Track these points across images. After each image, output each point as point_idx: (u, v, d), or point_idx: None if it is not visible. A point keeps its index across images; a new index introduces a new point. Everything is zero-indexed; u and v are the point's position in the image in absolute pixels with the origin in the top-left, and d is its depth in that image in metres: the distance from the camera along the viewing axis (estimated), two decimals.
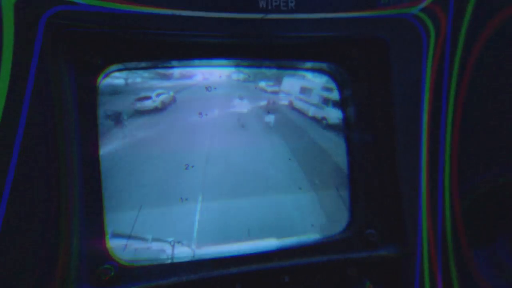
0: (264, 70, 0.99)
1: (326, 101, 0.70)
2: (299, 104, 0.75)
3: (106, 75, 0.83)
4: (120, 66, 0.85)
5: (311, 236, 0.96)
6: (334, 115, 0.72)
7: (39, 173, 0.67)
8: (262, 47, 0.94)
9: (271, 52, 0.95)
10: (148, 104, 0.68)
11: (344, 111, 1.02)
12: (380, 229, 0.92)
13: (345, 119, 1.01)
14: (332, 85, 0.89)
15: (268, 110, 0.99)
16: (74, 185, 0.75)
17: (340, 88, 1.02)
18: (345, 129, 1.02)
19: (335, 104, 0.74)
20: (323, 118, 0.73)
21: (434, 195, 0.88)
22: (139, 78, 0.81)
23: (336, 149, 0.77)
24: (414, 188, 0.89)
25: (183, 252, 0.89)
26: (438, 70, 0.89)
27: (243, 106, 0.97)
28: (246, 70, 1.03)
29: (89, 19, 0.70)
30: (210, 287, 0.83)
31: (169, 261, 0.87)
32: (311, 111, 0.77)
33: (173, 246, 0.89)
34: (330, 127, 0.73)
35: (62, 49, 0.72)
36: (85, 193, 0.79)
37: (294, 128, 0.81)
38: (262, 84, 0.90)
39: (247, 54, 0.95)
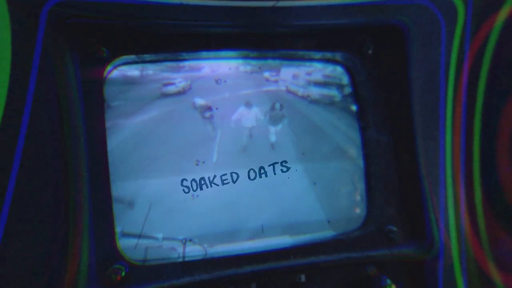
0: (269, 61, 0.99)
1: (309, 82, 0.88)
2: (292, 88, 0.90)
3: (113, 68, 0.80)
4: (126, 59, 0.82)
5: (327, 233, 0.93)
6: (315, 92, 0.89)
7: (44, 172, 0.64)
8: (273, 37, 0.91)
9: (282, 42, 0.92)
10: (172, 88, 0.83)
11: (358, 102, 0.98)
12: (400, 225, 0.88)
13: (360, 110, 0.98)
14: (311, 68, 0.94)
15: (272, 119, 0.97)
16: (82, 183, 0.73)
17: (353, 79, 0.99)
18: (360, 120, 0.98)
19: (315, 84, 0.90)
20: (308, 96, 0.89)
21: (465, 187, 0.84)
22: (150, 70, 0.87)
23: (324, 122, 0.92)
24: (435, 180, 0.85)
25: (195, 251, 0.87)
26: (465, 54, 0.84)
27: (251, 117, 0.95)
28: (254, 62, 1.00)
29: (93, 9, 0.67)
30: (225, 287, 0.80)
31: (181, 260, 0.84)
32: (300, 92, 0.92)
33: (184, 244, 0.87)
34: (313, 101, 0.90)
35: (65, 41, 0.69)
36: (93, 190, 0.76)
37: (290, 106, 0.94)
38: (267, 74, 0.96)
39: (258, 44, 0.92)
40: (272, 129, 0.98)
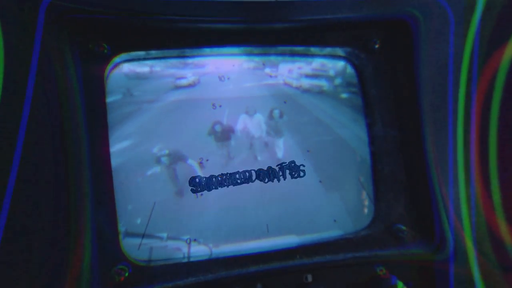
0: (272, 58, 1.00)
1: (301, 75, 0.99)
2: (288, 80, 1.00)
3: (115, 66, 0.79)
4: (128, 56, 0.80)
5: (334, 232, 0.91)
6: (306, 82, 0.99)
7: (45, 171, 0.63)
8: (276, 33, 0.89)
9: (286, 38, 0.90)
10: (184, 81, 0.92)
11: (364, 98, 0.96)
12: (409, 224, 0.86)
13: (366, 106, 0.96)
14: (303, 63, 1.01)
15: (272, 129, 0.97)
16: (83, 182, 0.71)
17: (360, 74, 0.97)
18: (366, 117, 0.96)
19: (306, 76, 1.00)
20: (300, 86, 0.99)
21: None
22: (157, 67, 0.92)
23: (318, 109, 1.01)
24: (446, 177, 0.83)
25: (199, 251, 0.85)
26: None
27: (254, 126, 0.97)
28: (257, 59, 1.00)
29: (94, 3, 0.66)
30: (230, 287, 0.78)
31: (185, 260, 0.83)
32: (294, 83, 0.99)
33: (189, 244, 0.85)
34: (305, 90, 1.00)
35: (65, 37, 0.67)
36: (95, 189, 0.75)
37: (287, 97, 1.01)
38: (268, 70, 1.00)
39: (261, 40, 0.90)
40: (273, 141, 0.98)
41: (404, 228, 0.86)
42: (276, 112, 0.99)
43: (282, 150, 0.98)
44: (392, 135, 0.92)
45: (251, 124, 0.97)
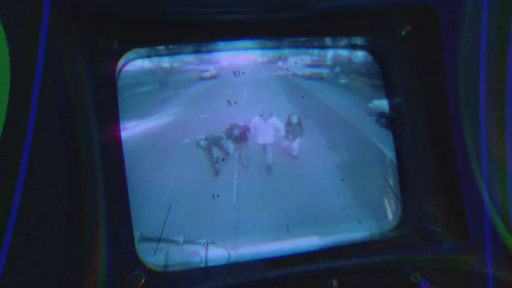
0: (287, 51, 1.00)
1: (304, 65, 1.08)
2: (294, 71, 1.08)
3: (126, 62, 0.76)
4: (140, 52, 0.77)
5: (359, 233, 0.86)
6: (308, 71, 1.09)
7: (55, 174, 0.60)
8: (297, 23, 0.84)
9: (307, 28, 0.85)
10: (207, 73, 1.00)
11: (387, 90, 0.91)
12: (441, 224, 0.81)
13: (390, 99, 0.90)
14: (306, 55, 1.07)
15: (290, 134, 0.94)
16: (96, 185, 0.68)
17: (382, 65, 0.91)
18: (390, 110, 0.91)
19: (308, 66, 1.09)
20: (304, 74, 1.10)
21: None
22: (176, 63, 0.96)
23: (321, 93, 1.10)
24: (478, 171, 0.77)
25: (217, 255, 0.82)
26: None
27: (270, 132, 0.98)
28: (272, 53, 0.98)
29: None
30: None
31: (203, 265, 0.79)
32: (299, 72, 1.09)
33: (206, 248, 0.82)
34: (308, 77, 1.09)
35: (73, 33, 0.64)
36: (108, 192, 0.72)
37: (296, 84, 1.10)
38: (280, 64, 1.03)
39: (277, 32, 0.85)
40: (290, 144, 0.95)
41: (435, 228, 0.81)
42: (294, 117, 1.01)
43: (302, 147, 0.94)
44: (420, 129, 0.86)
45: (267, 126, 0.95)
